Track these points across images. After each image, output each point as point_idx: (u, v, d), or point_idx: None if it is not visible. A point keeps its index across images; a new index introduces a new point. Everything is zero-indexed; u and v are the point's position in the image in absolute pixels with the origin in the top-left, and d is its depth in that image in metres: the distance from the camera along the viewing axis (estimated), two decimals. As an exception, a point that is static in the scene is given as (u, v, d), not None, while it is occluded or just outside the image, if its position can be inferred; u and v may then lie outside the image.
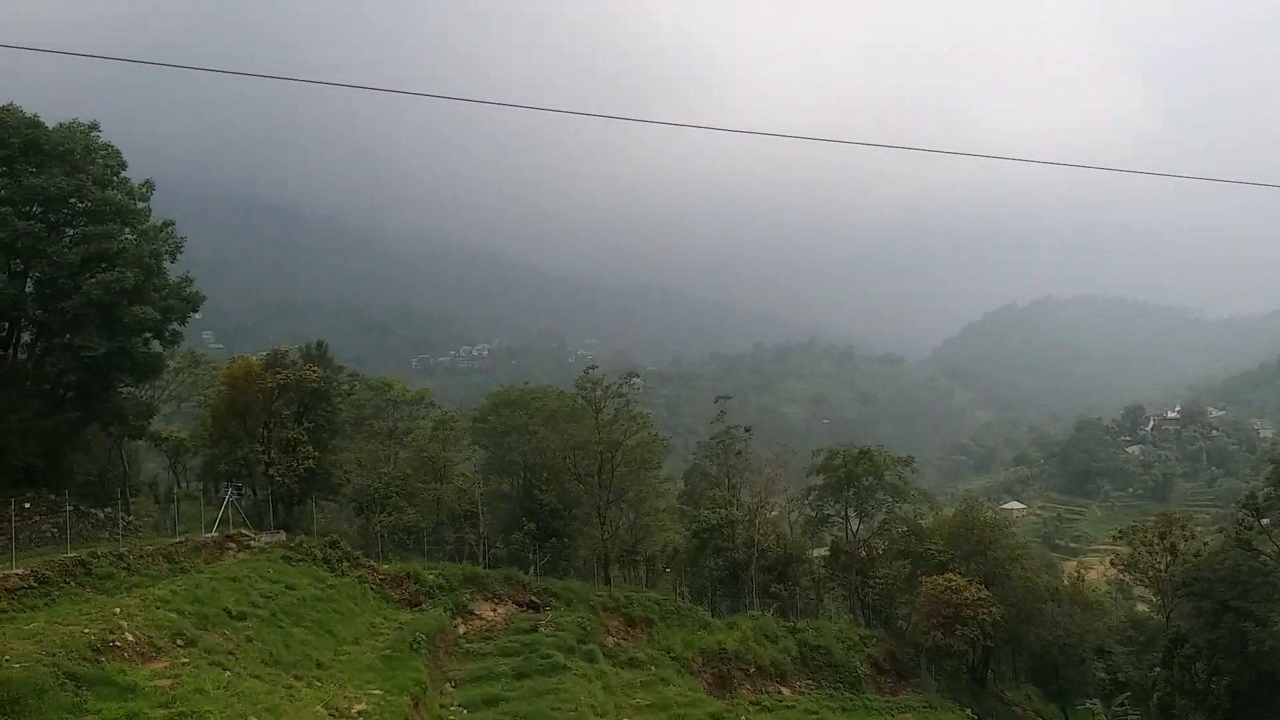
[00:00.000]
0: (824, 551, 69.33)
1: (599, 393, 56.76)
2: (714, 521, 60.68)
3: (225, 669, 26.80)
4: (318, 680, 30.42)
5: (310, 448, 47.46)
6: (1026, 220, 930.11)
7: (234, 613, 32.04)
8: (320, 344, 55.02)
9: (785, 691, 49.05)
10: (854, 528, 66.96)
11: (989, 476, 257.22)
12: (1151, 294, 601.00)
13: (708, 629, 50.14)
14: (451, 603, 44.23)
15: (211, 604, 31.56)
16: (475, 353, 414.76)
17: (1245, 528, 55.78)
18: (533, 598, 47.42)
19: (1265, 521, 55.43)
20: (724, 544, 61.09)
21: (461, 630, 43.32)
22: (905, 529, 66.20)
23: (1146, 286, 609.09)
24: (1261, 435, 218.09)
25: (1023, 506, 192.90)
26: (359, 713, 28.67)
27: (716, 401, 72.19)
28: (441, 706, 34.53)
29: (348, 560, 43.45)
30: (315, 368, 49.63)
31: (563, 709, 34.48)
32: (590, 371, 58.73)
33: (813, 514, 68.27)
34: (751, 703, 45.81)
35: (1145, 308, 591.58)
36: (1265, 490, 56.82)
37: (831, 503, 67.09)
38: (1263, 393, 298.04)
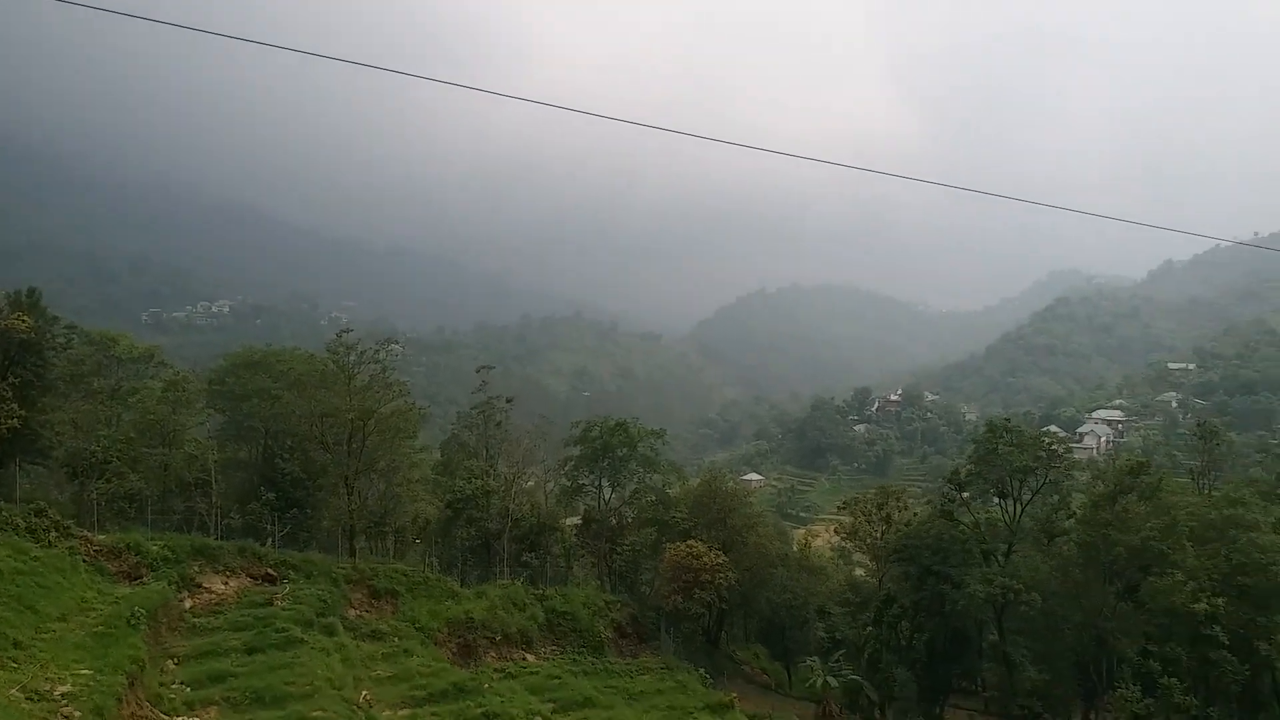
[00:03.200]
0: (576, 520, 70.77)
1: (352, 358, 54.57)
2: (469, 492, 60.28)
3: (-106, 654, 23.61)
4: (14, 662, 27.44)
5: (15, 405, 42.65)
6: (788, 210, 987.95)
7: (-91, 590, 28.23)
8: (32, 291, 49.56)
9: (530, 658, 49.74)
10: (606, 497, 68.79)
11: (732, 449, 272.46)
12: (886, 287, 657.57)
13: (455, 599, 49.81)
14: (178, 576, 41.21)
15: (-121, 581, 27.65)
16: (215, 310, 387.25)
17: (948, 500, 62.46)
18: (269, 570, 45.05)
19: (965, 495, 62.31)
20: (478, 514, 60.90)
21: (188, 605, 40.52)
22: (654, 498, 68.77)
23: (883, 279, 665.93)
24: (967, 418, 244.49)
25: (761, 478, 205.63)
26: (63, 695, 26.21)
27: (478, 371, 71.43)
28: (162, 685, 32.17)
29: (56, 530, 39.38)
30: (24, 317, 44.54)
31: (297, 683, 33.10)
32: (343, 335, 56.33)
33: (568, 484, 69.41)
34: (496, 670, 46.09)
35: (878, 299, 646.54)
36: (966, 467, 63.76)
37: (586, 473, 68.52)
38: (971, 380, 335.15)
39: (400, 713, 36.43)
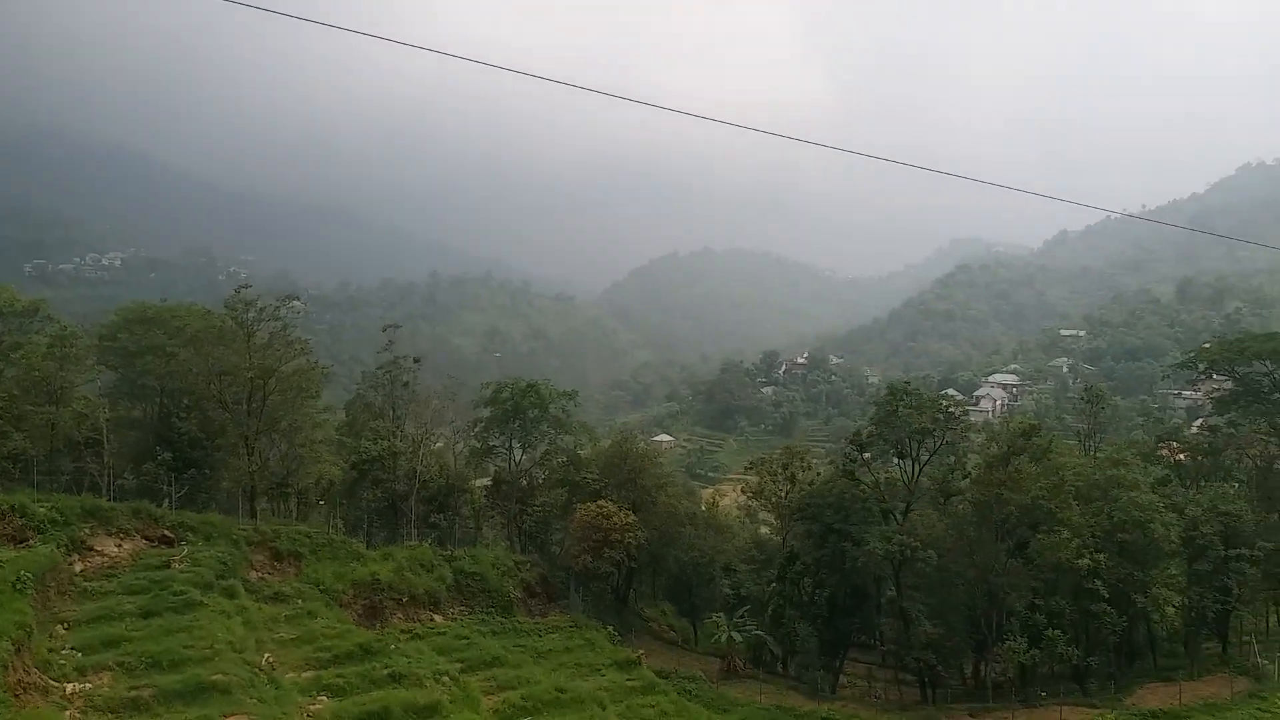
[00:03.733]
0: (486, 481, 70.41)
1: (252, 314, 52.87)
2: (375, 453, 59.36)
3: None
4: (-113, 631, 26.05)
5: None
6: (700, 173, 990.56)
7: None
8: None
9: (438, 618, 49.56)
10: (517, 458, 68.56)
11: (644, 411, 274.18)
12: (796, 252, 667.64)
13: (361, 561, 49.15)
14: (67, 539, 39.53)
15: None
16: (106, 262, 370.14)
17: (850, 461, 63.98)
18: (166, 532, 43.64)
19: (867, 456, 63.94)
20: (384, 475, 60.04)
21: (79, 568, 39.00)
22: (565, 459, 68.84)
23: (793, 244, 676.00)
24: (870, 381, 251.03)
25: (671, 439, 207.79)
26: (-58, 665, 25.05)
27: (385, 330, 70.13)
28: (51, 651, 31.00)
29: (-69, 493, 37.33)
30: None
31: (196, 647, 32.26)
32: (242, 291, 54.48)
33: (478, 445, 68.94)
34: (403, 631, 45.79)
35: (788, 264, 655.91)
36: (868, 429, 65.33)
37: (497, 434, 68.13)
38: (874, 344, 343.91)
39: (304, 675, 35.90)
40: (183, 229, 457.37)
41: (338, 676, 36.01)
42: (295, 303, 58.29)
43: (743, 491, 79.99)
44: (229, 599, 38.69)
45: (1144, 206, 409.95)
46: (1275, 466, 67.52)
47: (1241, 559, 57.34)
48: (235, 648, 33.53)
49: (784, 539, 69.82)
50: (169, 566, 39.81)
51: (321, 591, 45.14)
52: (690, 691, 52.93)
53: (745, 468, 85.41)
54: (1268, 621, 67.46)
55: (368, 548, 53.34)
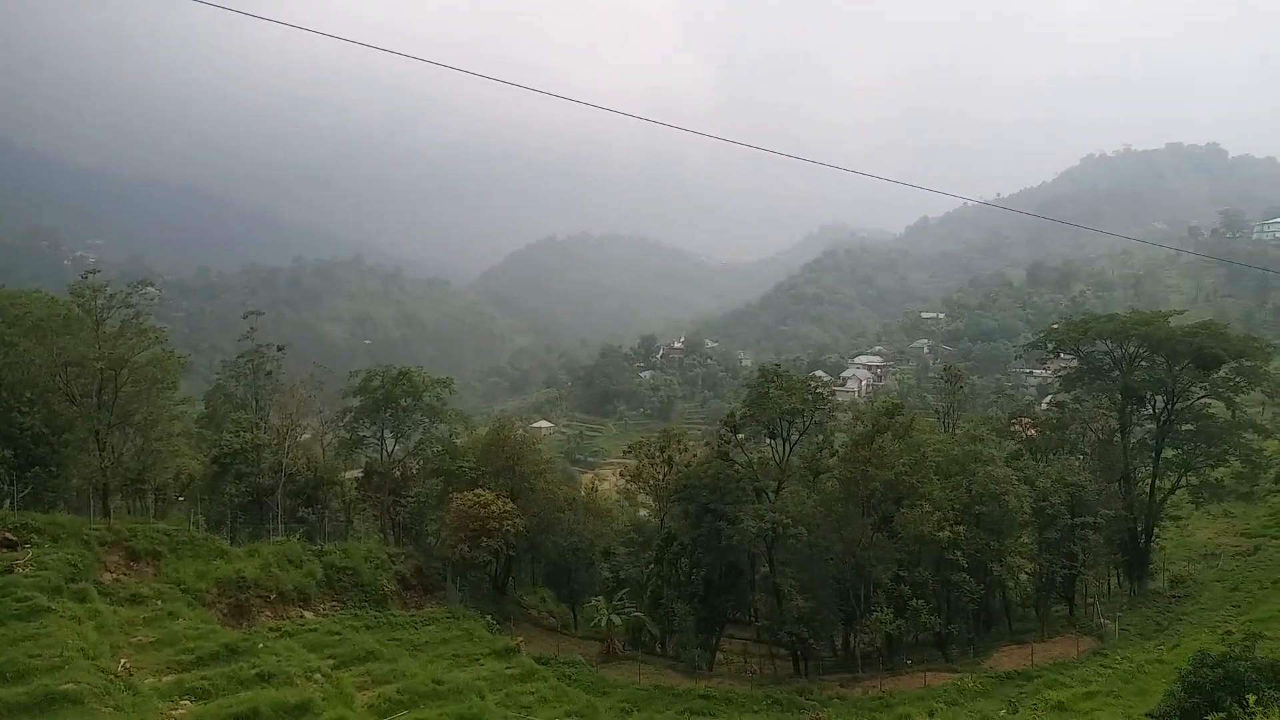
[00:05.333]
0: (357, 473, 68.71)
1: (101, 301, 49.76)
2: (237, 446, 57.03)
3: None
4: None
5: None
6: (579, 158, 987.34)
7: None
8: None
9: (308, 615, 48.06)
10: (390, 448, 67.14)
11: (522, 397, 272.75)
12: (672, 237, 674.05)
13: (225, 558, 47.12)
14: (-108, 547, 36.53)
15: None
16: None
17: (725, 442, 65.24)
18: (8, 535, 40.74)
19: (740, 436, 65.33)
20: (248, 469, 57.81)
21: (-93, 578, 36.05)
22: (440, 448, 67.79)
23: (670, 230, 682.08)
24: (744, 364, 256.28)
25: (551, 425, 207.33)
26: None
27: (246, 317, 67.30)
28: (-126, 670, 28.61)
29: None
30: None
31: (44, 655, 30.28)
32: (90, 276, 51.27)
33: (347, 436, 67.19)
34: (271, 629, 44.21)
35: (665, 249, 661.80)
36: (741, 411, 66.79)
37: (368, 424, 66.61)
38: (748, 328, 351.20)
39: (165, 679, 34.23)
40: (23, 209, 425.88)
41: (202, 679, 34.48)
42: (149, 289, 55.27)
43: (621, 475, 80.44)
44: (80, 603, 36.50)
45: (998, 194, 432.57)
46: (1115, 439, 72.35)
47: (1086, 526, 61.33)
48: (88, 654, 31.67)
49: (662, 520, 70.65)
50: (11, 571, 37.22)
51: (183, 591, 43.07)
52: (570, 676, 53.14)
53: (624, 451, 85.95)
54: (1109, 584, 72.36)
55: (232, 544, 51.19)
